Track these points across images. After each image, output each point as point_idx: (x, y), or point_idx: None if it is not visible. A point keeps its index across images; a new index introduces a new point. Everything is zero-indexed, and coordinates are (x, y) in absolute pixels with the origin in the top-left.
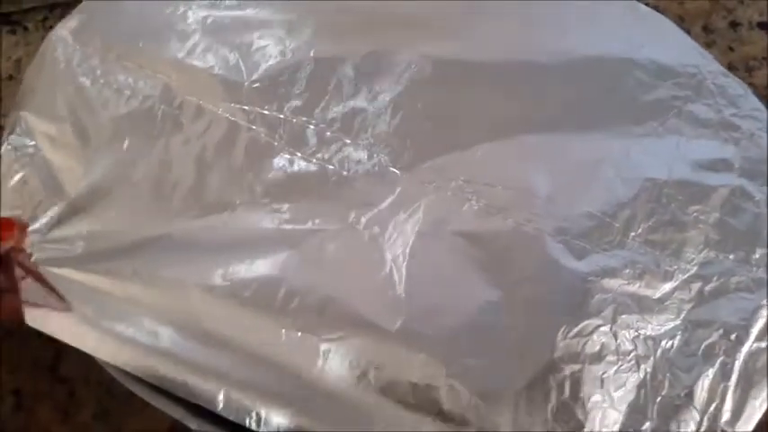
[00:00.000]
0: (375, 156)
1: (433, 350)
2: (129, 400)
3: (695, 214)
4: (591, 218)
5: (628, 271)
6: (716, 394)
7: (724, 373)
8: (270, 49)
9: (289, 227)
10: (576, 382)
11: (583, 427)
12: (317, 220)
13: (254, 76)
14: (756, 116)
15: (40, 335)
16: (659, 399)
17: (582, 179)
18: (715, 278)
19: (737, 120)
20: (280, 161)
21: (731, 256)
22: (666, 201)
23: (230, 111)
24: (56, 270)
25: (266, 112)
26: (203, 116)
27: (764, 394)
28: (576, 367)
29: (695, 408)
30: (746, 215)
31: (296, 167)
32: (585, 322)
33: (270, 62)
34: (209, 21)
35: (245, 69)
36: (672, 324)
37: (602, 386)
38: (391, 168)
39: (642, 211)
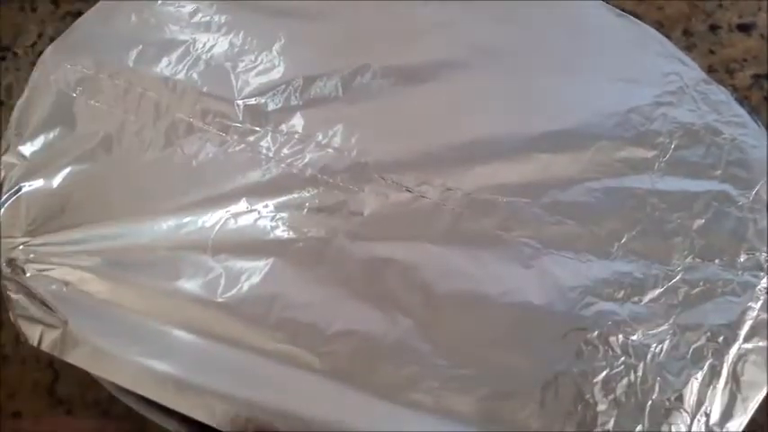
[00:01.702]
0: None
1: (426, 363)
2: (126, 420)
3: (679, 221)
4: (575, 229)
5: (614, 279)
6: (705, 396)
7: (713, 375)
8: (260, 67)
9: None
10: (568, 387)
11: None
12: (306, 230)
13: (244, 93)
14: (738, 122)
15: (38, 359)
16: (650, 402)
17: (563, 191)
18: (701, 283)
19: (720, 125)
20: (269, 172)
21: (716, 261)
22: (650, 209)
23: (221, 127)
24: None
25: (257, 128)
26: (194, 133)
27: (753, 394)
28: (566, 374)
29: (685, 410)
30: (730, 220)
31: (285, 177)
32: (574, 330)
33: (260, 79)
34: (198, 41)
35: (235, 86)
36: (660, 329)
37: (592, 390)
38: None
39: (626, 220)
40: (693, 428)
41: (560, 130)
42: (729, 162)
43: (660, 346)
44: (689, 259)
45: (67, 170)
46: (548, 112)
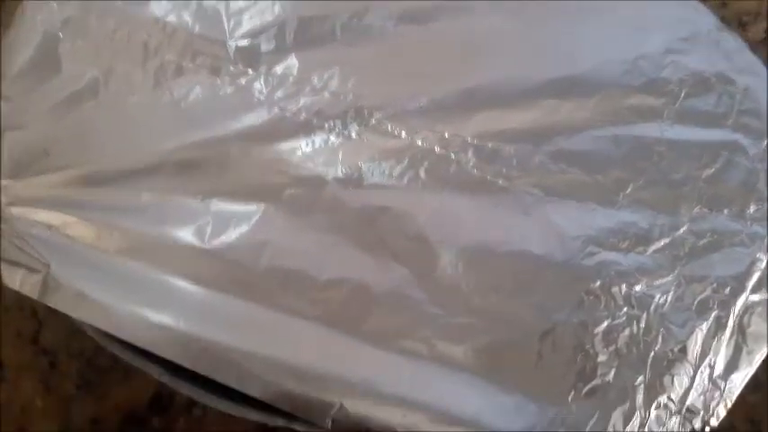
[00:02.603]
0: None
1: (421, 311)
2: (111, 371)
3: (687, 171)
4: (580, 178)
5: (619, 229)
6: (709, 348)
7: (718, 327)
8: (253, 8)
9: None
10: (568, 338)
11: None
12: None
13: (237, 34)
14: (752, 71)
15: (21, 307)
16: (652, 354)
17: (568, 138)
18: (709, 234)
19: (733, 74)
20: (262, 115)
21: (725, 212)
22: (658, 158)
23: (212, 69)
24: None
25: (250, 70)
26: (184, 75)
27: (758, 347)
28: (566, 324)
29: (689, 362)
30: (740, 170)
31: (278, 121)
32: (576, 280)
33: (254, 20)
34: None
35: (227, 27)
36: (665, 279)
37: (593, 341)
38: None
39: (633, 169)
40: (696, 380)
41: (567, 77)
42: (741, 111)
43: (664, 297)
44: (696, 209)
45: (52, 113)
46: (554, 57)
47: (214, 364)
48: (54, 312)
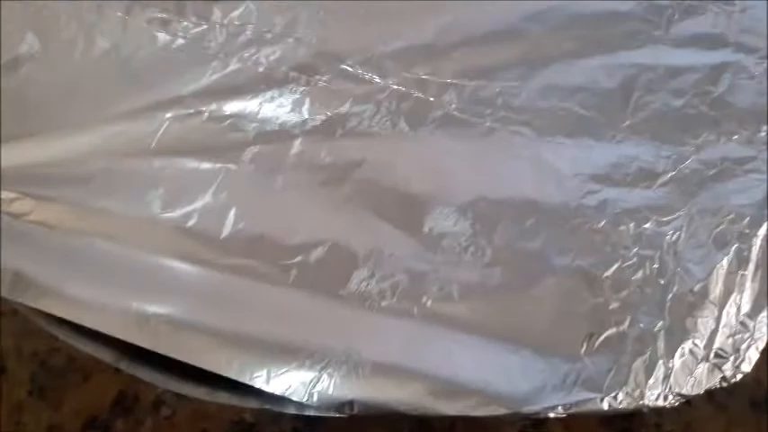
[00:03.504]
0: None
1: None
2: (68, 373)
3: (689, 97)
4: (572, 113)
5: (620, 164)
6: (733, 285)
7: (740, 261)
8: None
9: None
10: (575, 285)
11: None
12: (263, 132)
13: None
14: None
15: None
16: (670, 296)
17: (557, 72)
18: (719, 162)
19: None
20: (217, 70)
21: (735, 137)
22: (656, 86)
23: (161, 23)
24: None
25: (202, 22)
26: (129, 31)
27: None
28: (571, 270)
29: (711, 302)
30: (747, 92)
31: (236, 74)
32: (578, 220)
33: None
34: None
35: None
36: (676, 215)
37: (602, 287)
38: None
39: (629, 99)
40: (723, 321)
41: (550, 6)
42: (741, 31)
43: (677, 233)
44: (703, 137)
45: None
46: None
47: (177, 343)
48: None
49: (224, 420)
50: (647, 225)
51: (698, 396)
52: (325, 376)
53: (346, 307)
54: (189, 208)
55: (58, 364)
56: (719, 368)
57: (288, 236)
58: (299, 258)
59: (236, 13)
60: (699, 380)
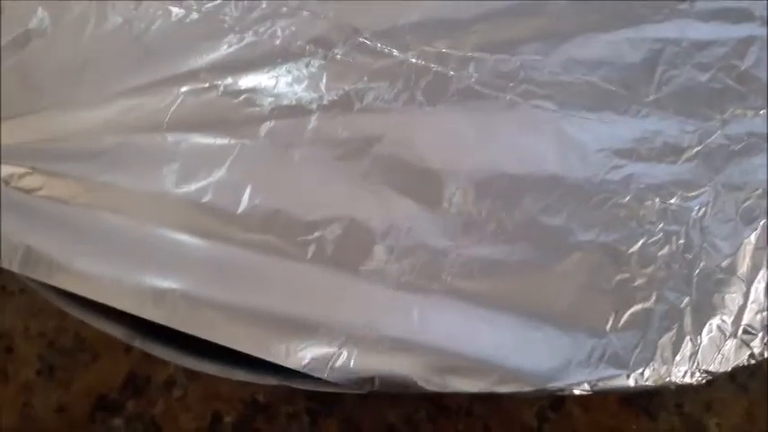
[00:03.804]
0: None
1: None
2: (77, 353)
3: (715, 71)
4: (596, 87)
5: (645, 139)
6: (762, 261)
7: None
8: None
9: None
10: (599, 261)
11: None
12: (279, 107)
13: None
14: None
15: None
16: (697, 272)
17: (580, 45)
18: (746, 136)
19: None
20: (233, 43)
21: (762, 112)
22: (681, 60)
23: None
24: None
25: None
26: (142, 6)
27: None
28: (595, 245)
29: (739, 278)
30: None
31: (251, 47)
32: (603, 197)
33: None
34: None
35: None
36: (702, 190)
37: (628, 263)
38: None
39: (653, 73)
40: (751, 297)
41: None
42: None
43: (703, 209)
44: (729, 112)
45: None
46: None
47: (193, 318)
48: (6, 291)
49: (237, 401)
50: (672, 200)
51: (721, 375)
52: (344, 352)
53: (365, 283)
54: (204, 183)
55: (67, 343)
56: (748, 345)
57: (305, 212)
58: (316, 234)
59: None
60: (726, 357)
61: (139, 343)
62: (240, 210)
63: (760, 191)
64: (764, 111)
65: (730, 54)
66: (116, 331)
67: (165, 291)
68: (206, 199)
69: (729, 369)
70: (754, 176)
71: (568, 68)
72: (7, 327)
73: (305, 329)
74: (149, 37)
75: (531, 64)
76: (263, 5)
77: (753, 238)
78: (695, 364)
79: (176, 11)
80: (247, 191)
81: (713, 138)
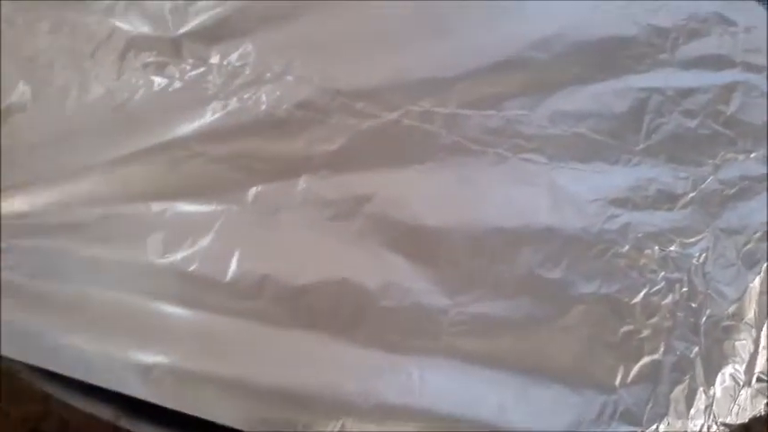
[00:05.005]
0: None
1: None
2: None
3: (702, 117)
4: (584, 138)
5: (639, 187)
6: None
7: None
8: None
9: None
10: (603, 313)
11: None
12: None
13: (184, 27)
14: (751, 9)
15: None
16: (704, 319)
17: (565, 97)
18: (738, 180)
19: (729, 13)
20: (217, 110)
21: (752, 155)
22: (667, 108)
23: (158, 66)
24: None
25: (201, 63)
26: (125, 75)
27: None
28: (600, 297)
29: (748, 324)
30: (760, 110)
31: (236, 113)
32: (601, 246)
33: (200, 11)
34: None
35: (170, 22)
36: (700, 235)
37: (632, 314)
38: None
39: (641, 122)
40: (762, 343)
41: (554, 34)
42: (747, 51)
43: (704, 254)
44: (720, 157)
45: None
46: (539, 15)
47: (180, 394)
48: None
49: None
50: (672, 248)
51: (738, 427)
52: (341, 422)
53: (360, 347)
54: (190, 251)
55: (51, 429)
56: (763, 394)
57: (296, 275)
58: (308, 298)
59: (234, 55)
60: (743, 407)
61: (125, 422)
62: (228, 277)
63: (759, 234)
64: (755, 154)
65: (715, 100)
66: (102, 411)
67: (151, 366)
68: (192, 267)
69: (746, 420)
70: (752, 219)
71: (555, 121)
72: None
73: (299, 401)
74: (132, 106)
75: (518, 118)
76: (247, 72)
77: (757, 282)
78: (711, 416)
79: (159, 80)
80: (235, 257)
81: (707, 183)
